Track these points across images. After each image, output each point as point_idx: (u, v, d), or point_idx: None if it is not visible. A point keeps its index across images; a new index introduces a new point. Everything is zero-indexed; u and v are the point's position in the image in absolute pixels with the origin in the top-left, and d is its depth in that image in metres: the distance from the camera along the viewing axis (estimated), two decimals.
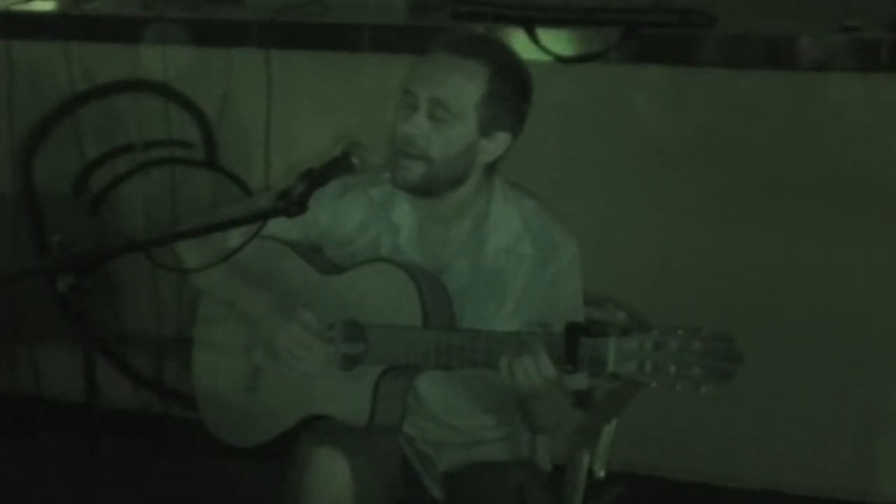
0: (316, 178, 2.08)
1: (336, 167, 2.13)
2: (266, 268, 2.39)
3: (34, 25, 3.62)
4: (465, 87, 2.19)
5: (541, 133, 3.23)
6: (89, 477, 3.60)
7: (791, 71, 3.08)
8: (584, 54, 3.17)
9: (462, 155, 2.22)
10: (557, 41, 3.18)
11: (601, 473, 2.42)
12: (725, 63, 3.11)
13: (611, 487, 2.45)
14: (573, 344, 1.98)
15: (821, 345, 3.25)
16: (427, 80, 2.20)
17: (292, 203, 2.05)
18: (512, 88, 2.24)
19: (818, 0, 3.24)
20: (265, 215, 2.08)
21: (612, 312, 2.57)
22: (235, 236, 2.29)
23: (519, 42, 3.18)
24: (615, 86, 3.22)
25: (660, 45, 3.13)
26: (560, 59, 3.18)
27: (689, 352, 1.90)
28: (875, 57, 3.00)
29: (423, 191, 2.25)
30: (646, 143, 3.23)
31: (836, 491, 3.33)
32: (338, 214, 2.36)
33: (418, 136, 2.19)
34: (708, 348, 1.90)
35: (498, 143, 2.25)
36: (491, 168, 2.31)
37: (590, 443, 2.37)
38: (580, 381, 2.27)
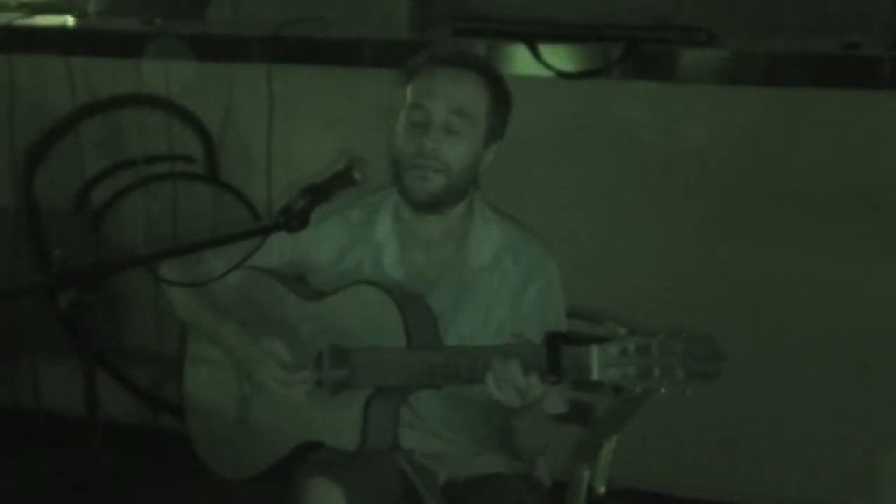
0: (318, 193, 2.08)
1: (338, 182, 2.13)
2: (249, 298, 2.38)
3: (36, 40, 3.62)
4: (477, 96, 2.24)
5: (542, 147, 3.26)
6: (89, 491, 3.60)
7: (792, 88, 3.08)
8: (586, 70, 3.18)
9: (472, 166, 2.26)
10: (559, 57, 3.18)
11: (601, 490, 2.41)
12: (726, 80, 3.11)
13: None
14: (555, 353, 1.97)
15: (820, 361, 3.24)
16: (440, 93, 2.22)
17: (293, 218, 2.05)
18: (505, 98, 2.29)
19: (819, 17, 3.25)
20: (267, 230, 2.08)
21: (612, 329, 2.57)
22: (218, 262, 2.30)
23: (521, 58, 3.19)
24: (616, 101, 3.23)
25: (661, 62, 3.14)
26: (561, 75, 3.18)
27: (672, 354, 1.89)
28: (876, 73, 3.00)
29: (437, 204, 2.25)
30: (646, 158, 3.23)
31: None
32: (317, 241, 2.35)
33: (439, 150, 2.21)
34: (689, 350, 1.89)
35: (491, 153, 2.30)
36: (476, 184, 2.33)
37: (590, 459, 2.37)
38: (556, 404, 2.29)
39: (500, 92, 2.27)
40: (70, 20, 3.64)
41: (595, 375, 1.94)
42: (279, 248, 2.21)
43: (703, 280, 3.27)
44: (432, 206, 2.26)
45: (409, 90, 2.26)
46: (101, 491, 3.59)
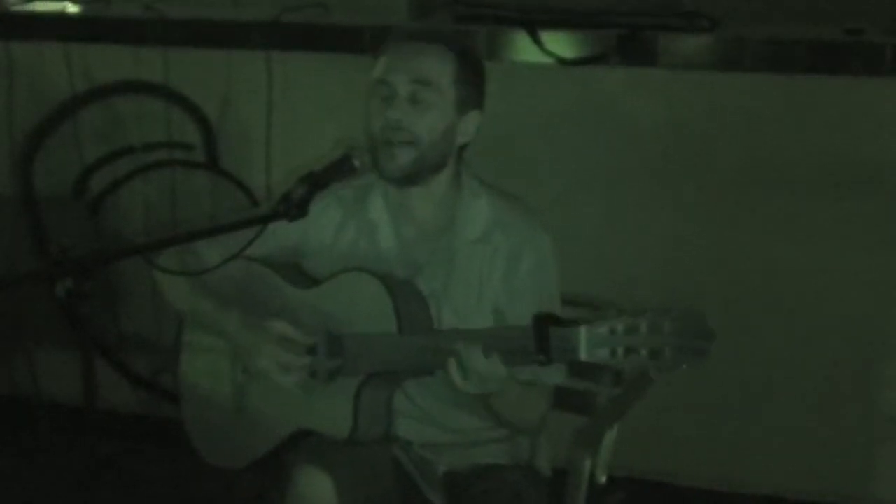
0: (317, 180, 2.07)
1: (337, 170, 2.11)
2: (245, 288, 2.37)
3: (34, 27, 3.61)
4: (440, 65, 2.23)
5: (543, 134, 3.26)
6: (88, 480, 3.60)
7: (794, 74, 3.07)
8: (587, 56, 3.16)
9: (444, 135, 2.24)
10: (560, 43, 3.17)
11: (602, 479, 2.41)
12: (728, 66, 3.10)
13: (612, 493, 2.44)
14: (543, 334, 1.97)
15: (822, 350, 3.24)
16: (402, 66, 2.22)
17: (293, 206, 2.04)
18: (474, 68, 2.29)
19: (821, 2, 3.23)
20: (266, 219, 2.07)
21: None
22: (212, 254, 2.29)
23: (521, 44, 3.17)
24: (617, 88, 3.21)
25: (662, 48, 3.12)
26: (563, 62, 3.17)
27: (660, 333, 1.88)
28: (879, 60, 2.99)
29: (411, 177, 2.24)
30: (648, 145, 3.22)
31: (836, 497, 3.32)
32: (312, 222, 2.30)
33: (403, 121, 2.20)
34: (678, 328, 1.89)
35: (470, 121, 2.28)
36: (461, 156, 2.32)
37: (591, 448, 2.36)
38: (554, 375, 2.28)
39: (466, 60, 2.26)
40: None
41: (583, 356, 1.94)
42: (273, 234, 2.20)
43: (704, 267, 3.26)
44: (406, 180, 2.25)
45: (375, 70, 2.26)
46: (99, 479, 3.60)
